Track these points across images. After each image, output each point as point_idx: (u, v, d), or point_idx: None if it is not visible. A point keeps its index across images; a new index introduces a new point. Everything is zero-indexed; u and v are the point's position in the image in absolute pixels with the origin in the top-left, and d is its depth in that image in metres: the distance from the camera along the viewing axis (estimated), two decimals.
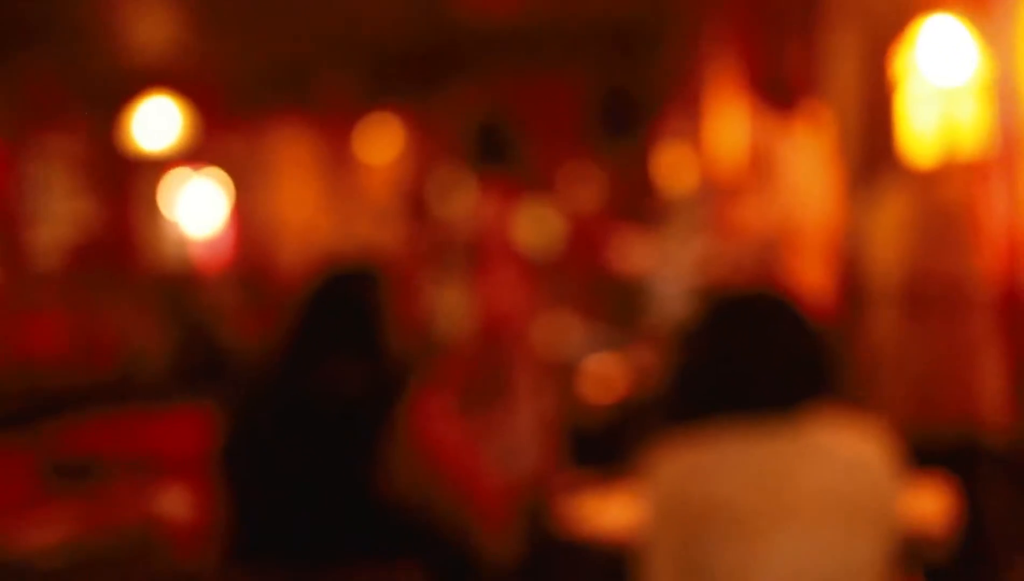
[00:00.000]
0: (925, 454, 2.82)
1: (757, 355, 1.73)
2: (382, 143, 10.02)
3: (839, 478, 1.67)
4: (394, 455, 1.89)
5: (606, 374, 5.20)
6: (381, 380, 1.99)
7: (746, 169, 4.19)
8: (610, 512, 2.39)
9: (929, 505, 2.16)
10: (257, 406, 1.99)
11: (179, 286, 9.13)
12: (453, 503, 1.96)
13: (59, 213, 9.22)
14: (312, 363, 1.97)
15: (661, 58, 8.70)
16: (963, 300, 3.30)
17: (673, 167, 5.68)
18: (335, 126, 9.87)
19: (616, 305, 9.76)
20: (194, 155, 10.30)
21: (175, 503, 2.78)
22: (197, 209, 11.64)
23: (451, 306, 3.86)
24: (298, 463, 1.89)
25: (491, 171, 3.83)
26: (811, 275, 3.55)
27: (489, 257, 3.81)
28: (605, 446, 4.78)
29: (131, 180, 10.27)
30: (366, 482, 1.88)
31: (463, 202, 4.03)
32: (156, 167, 10.44)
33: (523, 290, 4.05)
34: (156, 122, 9.45)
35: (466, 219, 3.91)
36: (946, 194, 3.44)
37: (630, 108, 9.46)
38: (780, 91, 3.71)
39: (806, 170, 3.56)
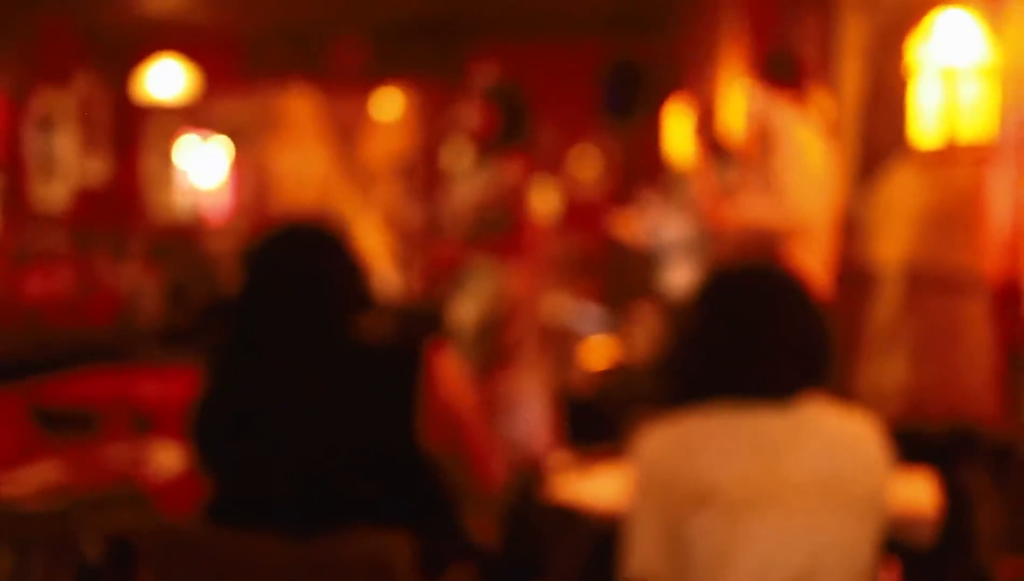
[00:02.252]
0: (912, 441, 2.83)
1: (758, 335, 1.68)
2: (392, 110, 10.00)
3: (830, 458, 1.64)
4: (417, 412, 1.83)
5: (602, 344, 5.22)
6: (405, 334, 1.96)
7: (750, 147, 4.18)
8: (603, 483, 2.40)
9: (914, 492, 2.16)
10: (254, 360, 1.91)
11: (184, 242, 9.16)
12: (463, 467, 1.93)
13: (68, 163, 9.24)
14: (327, 317, 1.90)
15: (672, 31, 8.66)
16: (963, 286, 3.29)
17: (681, 140, 5.66)
18: (346, 90, 9.85)
19: (620, 276, 9.77)
20: (203, 113, 10.30)
21: (168, 458, 2.79)
22: (204, 167, 11.65)
23: (476, 274, 3.87)
24: (318, 416, 1.82)
25: (510, 147, 3.83)
26: (810, 258, 3.54)
27: (514, 226, 3.82)
28: (597, 415, 4.80)
29: (141, 134, 10.29)
30: (388, 439, 1.83)
31: (476, 172, 4.02)
32: (166, 123, 10.44)
33: (537, 260, 4.07)
34: (167, 78, 9.45)
35: (483, 189, 3.91)
36: (952, 180, 3.42)
37: (639, 81, 9.43)
38: (787, 70, 3.69)
39: (810, 150, 3.54)
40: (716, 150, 4.57)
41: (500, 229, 3.79)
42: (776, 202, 3.46)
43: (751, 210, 3.57)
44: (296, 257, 1.95)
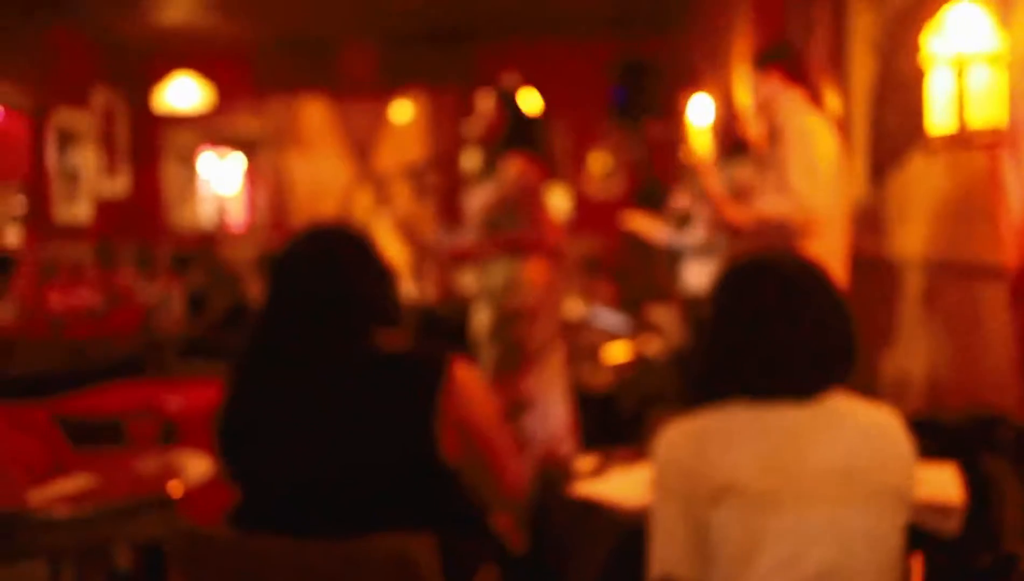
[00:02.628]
0: (935, 431, 2.82)
1: (779, 330, 1.64)
2: (405, 117, 10.04)
3: (854, 450, 1.61)
4: (438, 422, 1.82)
5: (622, 342, 5.22)
6: (426, 343, 1.95)
7: (760, 138, 4.16)
8: (626, 481, 2.40)
9: (938, 482, 2.15)
10: (277, 368, 1.89)
11: (206, 252, 9.23)
12: (486, 476, 1.93)
13: (89, 178, 9.33)
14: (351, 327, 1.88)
15: (682, 29, 8.65)
16: (981, 274, 3.28)
17: (694, 138, 5.65)
18: (359, 99, 9.91)
19: (638, 275, 9.77)
20: (220, 125, 10.38)
21: (195, 466, 2.80)
22: (223, 178, 11.72)
23: (493, 274, 3.89)
24: (340, 425, 1.81)
25: (521, 150, 3.84)
26: (825, 248, 3.53)
27: (525, 225, 3.84)
28: (619, 413, 4.81)
29: (160, 148, 10.39)
30: (410, 448, 1.81)
31: (487, 176, 4.03)
32: (184, 135, 10.53)
33: (555, 259, 4.08)
34: (184, 91, 9.52)
35: (492, 191, 3.92)
36: (966, 168, 3.41)
37: (651, 80, 9.41)
38: (788, 59, 3.69)
39: (818, 138, 3.53)
40: (732, 146, 4.57)
41: (507, 228, 3.80)
42: (787, 195, 3.46)
43: (763, 206, 3.57)
44: (320, 263, 1.92)
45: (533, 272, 3.87)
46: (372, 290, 1.93)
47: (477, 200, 3.97)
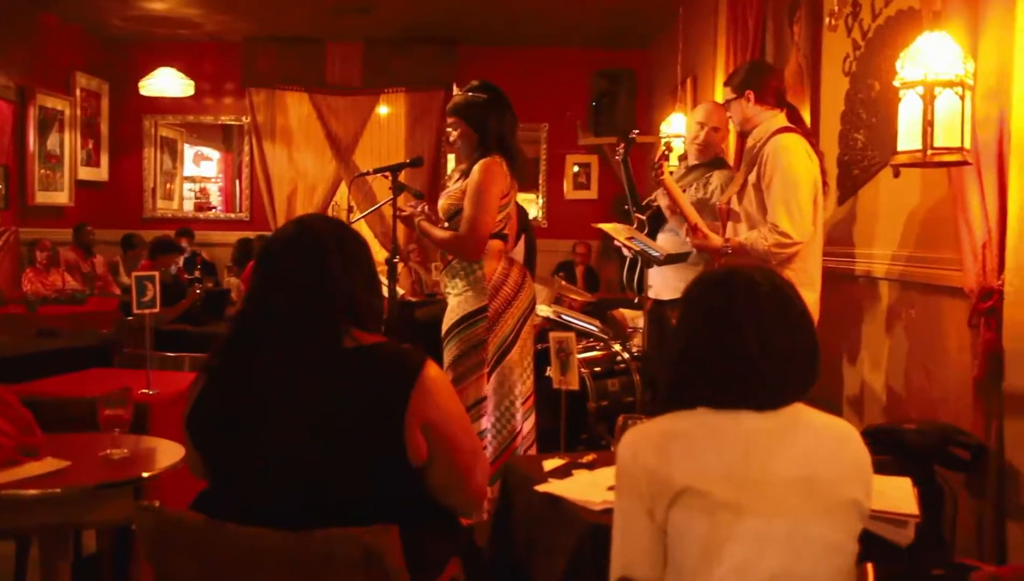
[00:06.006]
0: (892, 442, 2.88)
1: (745, 343, 1.66)
2: (387, 113, 10.06)
3: (813, 460, 1.64)
4: (406, 421, 1.83)
5: (590, 345, 5.25)
6: (398, 341, 1.92)
7: (737, 155, 4.20)
8: (591, 481, 2.44)
9: (893, 492, 2.19)
10: (252, 359, 1.89)
11: (184, 240, 9.21)
12: (451, 475, 1.93)
13: (70, 163, 9.29)
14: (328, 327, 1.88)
15: (662, 43, 8.70)
16: (943, 291, 3.34)
17: (671, 151, 5.69)
18: (343, 96, 9.90)
19: (610, 279, 9.82)
20: (203, 115, 10.35)
21: (166, 452, 2.81)
22: (203, 169, 11.69)
23: (459, 274, 3.91)
24: (312, 418, 1.81)
25: (488, 153, 3.87)
26: (797, 262, 3.58)
27: (483, 227, 3.87)
28: (586, 413, 4.84)
29: (141, 135, 10.34)
30: (378, 446, 1.82)
31: (459, 178, 4.06)
32: (166, 124, 10.49)
33: (519, 259, 4.11)
34: (167, 81, 9.49)
35: (456, 193, 3.95)
36: (931, 189, 3.47)
37: (630, 91, 9.45)
38: (762, 81, 3.72)
39: (794, 157, 3.57)
40: (708, 159, 4.61)
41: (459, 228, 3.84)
42: (770, 226, 3.48)
43: (747, 238, 3.59)
44: (303, 256, 1.92)
45: (499, 274, 3.90)
46: (352, 284, 1.93)
47: (444, 201, 4.00)
